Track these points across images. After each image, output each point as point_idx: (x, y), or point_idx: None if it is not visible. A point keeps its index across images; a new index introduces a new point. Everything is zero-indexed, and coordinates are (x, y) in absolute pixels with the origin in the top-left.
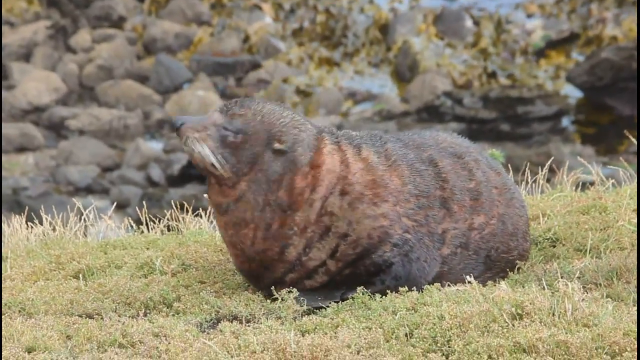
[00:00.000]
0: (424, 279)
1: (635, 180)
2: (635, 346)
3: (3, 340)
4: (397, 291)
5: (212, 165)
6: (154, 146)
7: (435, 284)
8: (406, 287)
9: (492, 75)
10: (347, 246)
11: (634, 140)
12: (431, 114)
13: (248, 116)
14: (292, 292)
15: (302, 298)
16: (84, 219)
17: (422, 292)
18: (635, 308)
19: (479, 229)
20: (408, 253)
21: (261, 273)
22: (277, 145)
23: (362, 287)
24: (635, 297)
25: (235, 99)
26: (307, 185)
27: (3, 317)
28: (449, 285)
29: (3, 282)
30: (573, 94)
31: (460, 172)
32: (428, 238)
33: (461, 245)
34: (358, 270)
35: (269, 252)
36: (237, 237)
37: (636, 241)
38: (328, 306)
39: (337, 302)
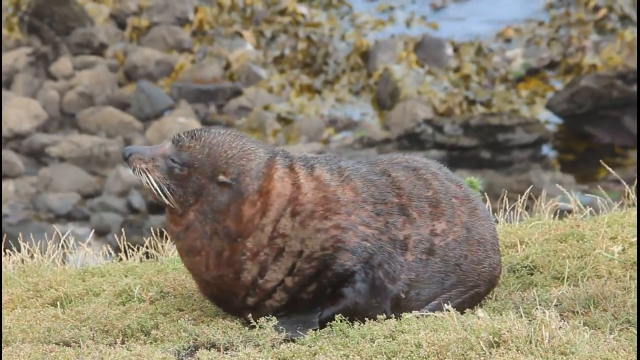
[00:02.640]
0: (391, 284)
1: (613, 209)
2: None
3: None
4: (367, 300)
5: (159, 195)
6: None
7: (405, 291)
8: (375, 296)
9: (473, 102)
10: (302, 262)
11: (610, 170)
12: (412, 141)
13: (195, 148)
14: (270, 320)
15: (281, 327)
16: (62, 246)
17: (400, 319)
18: (612, 336)
19: (442, 235)
20: (368, 260)
21: (222, 297)
22: (221, 178)
23: (334, 303)
24: (612, 324)
25: (191, 130)
26: (256, 212)
27: None
28: (417, 294)
29: None
30: (553, 121)
31: (416, 181)
32: (390, 245)
33: (426, 251)
34: (322, 284)
35: (224, 277)
36: (191, 264)
37: (614, 269)
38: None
39: (316, 329)
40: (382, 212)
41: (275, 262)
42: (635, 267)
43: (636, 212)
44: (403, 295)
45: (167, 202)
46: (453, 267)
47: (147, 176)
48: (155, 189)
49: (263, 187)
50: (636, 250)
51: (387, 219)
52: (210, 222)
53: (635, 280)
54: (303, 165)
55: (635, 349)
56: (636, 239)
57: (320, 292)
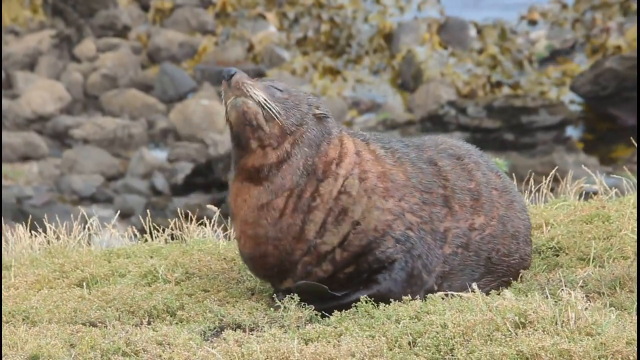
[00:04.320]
0: (427, 275)
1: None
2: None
3: (7, 348)
4: (402, 289)
5: (264, 116)
6: (158, 155)
7: (438, 283)
8: (411, 286)
9: (496, 84)
10: (355, 236)
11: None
12: (435, 123)
13: (286, 86)
14: (293, 299)
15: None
16: (88, 228)
17: (426, 300)
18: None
19: (479, 229)
20: (410, 250)
21: (274, 257)
22: (317, 110)
23: (366, 287)
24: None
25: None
26: (336, 157)
27: (7, 325)
28: (449, 286)
29: (7, 290)
30: (577, 103)
31: (460, 172)
32: (431, 236)
33: (462, 245)
34: (361, 268)
35: (292, 227)
36: (266, 210)
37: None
38: (331, 310)
39: (341, 304)
40: (427, 201)
41: (335, 225)
42: None
43: None
44: (436, 288)
45: (277, 119)
46: (484, 260)
47: (255, 93)
48: (267, 105)
49: (340, 138)
50: None
51: (431, 209)
52: (304, 156)
53: None
54: (357, 137)
55: None
56: None
57: (355, 275)
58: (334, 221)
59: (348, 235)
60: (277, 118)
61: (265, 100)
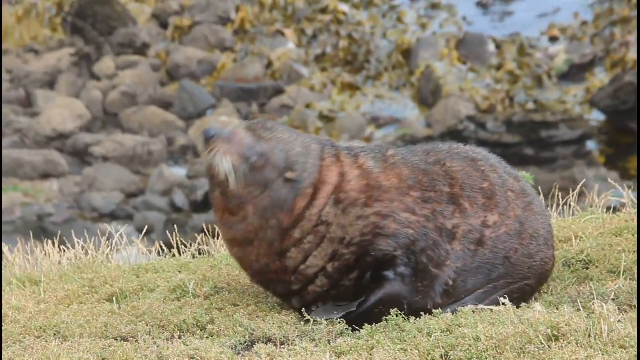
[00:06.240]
0: (436, 269)
1: None
2: None
3: None
4: (412, 284)
5: (231, 181)
6: (178, 172)
7: (452, 278)
8: (420, 280)
9: (516, 99)
10: (342, 248)
11: None
12: (455, 138)
13: (272, 142)
14: (317, 307)
15: (320, 312)
16: (115, 244)
17: (456, 314)
18: None
19: (493, 227)
20: (410, 246)
21: (269, 283)
22: (289, 175)
23: (378, 286)
24: None
25: (259, 121)
26: (306, 204)
27: (39, 340)
28: (463, 282)
29: (37, 305)
30: (596, 117)
31: (472, 172)
32: (436, 233)
33: (475, 242)
34: (363, 271)
35: (271, 265)
36: (243, 254)
37: None
38: (358, 320)
39: (364, 312)
40: (430, 199)
41: (317, 249)
42: None
43: None
44: (451, 282)
45: (234, 189)
46: (502, 259)
47: (226, 161)
48: (230, 174)
49: (315, 179)
50: None
51: (435, 207)
52: (267, 216)
53: None
54: (348, 154)
55: None
56: None
57: (362, 280)
58: (316, 248)
59: (336, 252)
60: (235, 185)
61: (231, 170)
